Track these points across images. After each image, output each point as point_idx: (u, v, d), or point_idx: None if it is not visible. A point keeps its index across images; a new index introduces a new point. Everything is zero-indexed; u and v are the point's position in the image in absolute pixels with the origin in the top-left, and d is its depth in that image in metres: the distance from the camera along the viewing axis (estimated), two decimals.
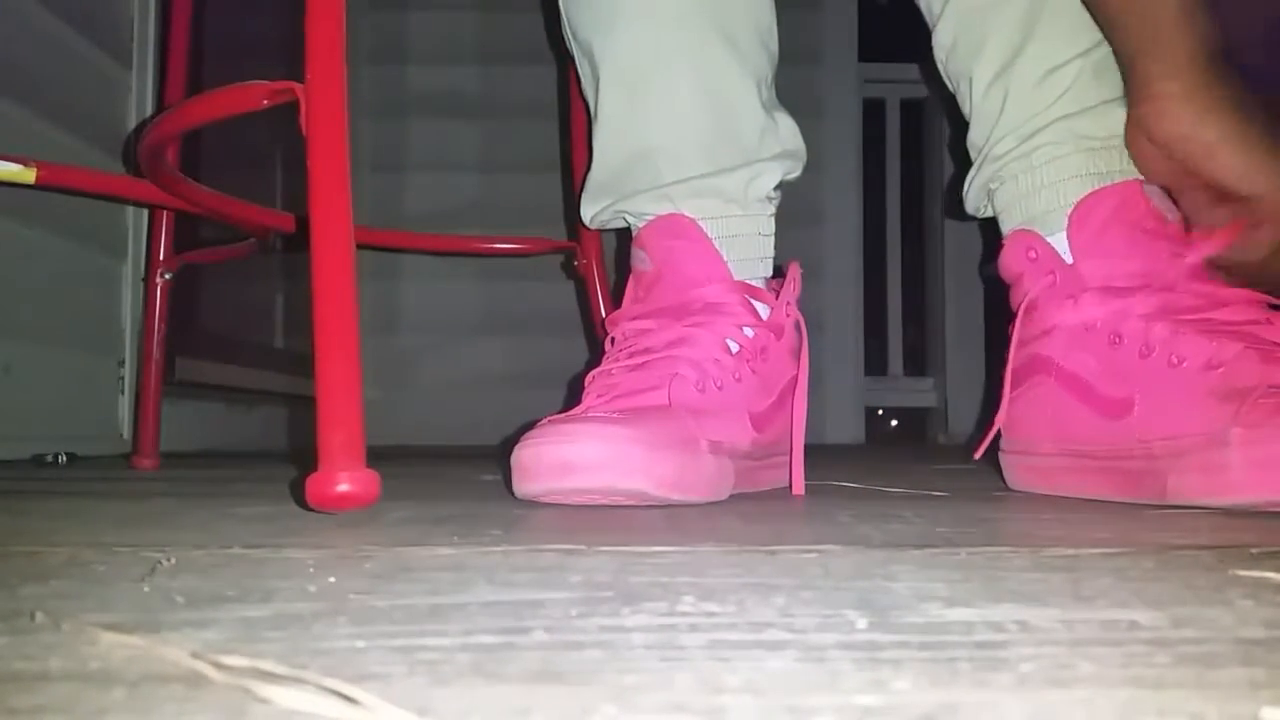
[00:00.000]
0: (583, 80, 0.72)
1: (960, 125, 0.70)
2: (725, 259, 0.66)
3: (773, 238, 0.70)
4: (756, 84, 0.69)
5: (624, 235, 0.74)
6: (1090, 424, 0.60)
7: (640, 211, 0.69)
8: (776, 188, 0.70)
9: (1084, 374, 0.61)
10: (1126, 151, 0.62)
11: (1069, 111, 0.63)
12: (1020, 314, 0.66)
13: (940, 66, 0.71)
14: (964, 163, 0.71)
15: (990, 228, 0.71)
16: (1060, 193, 0.63)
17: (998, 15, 0.65)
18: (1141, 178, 0.62)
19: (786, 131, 0.70)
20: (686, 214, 0.67)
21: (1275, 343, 0.55)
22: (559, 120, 1.72)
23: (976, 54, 0.67)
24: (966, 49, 0.67)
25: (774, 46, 0.71)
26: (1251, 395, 0.51)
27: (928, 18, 0.71)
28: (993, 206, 0.69)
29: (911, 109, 2.12)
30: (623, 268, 0.72)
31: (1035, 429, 0.65)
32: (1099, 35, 0.63)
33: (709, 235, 0.66)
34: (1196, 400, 0.53)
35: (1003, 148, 0.66)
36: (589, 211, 0.73)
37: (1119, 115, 0.62)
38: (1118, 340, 0.59)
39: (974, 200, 0.70)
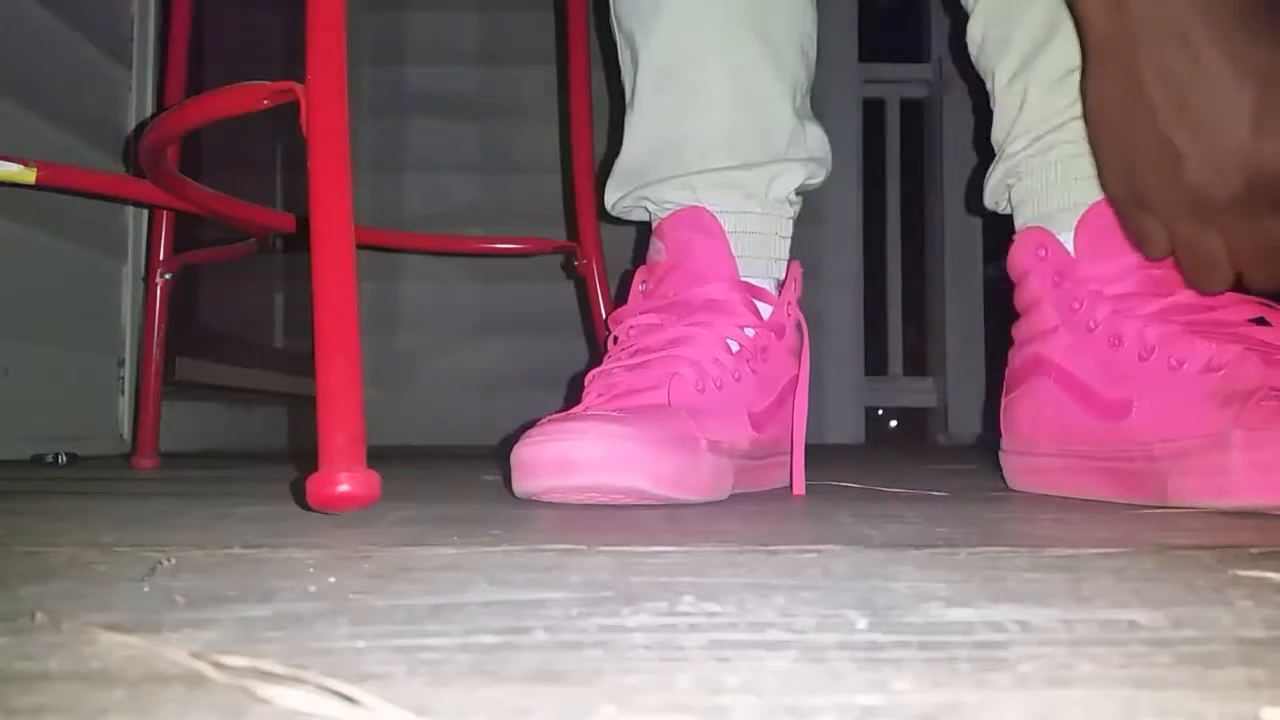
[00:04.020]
0: (623, 69, 0.73)
1: (986, 119, 0.70)
2: (737, 255, 0.66)
3: (788, 241, 0.70)
4: (791, 89, 0.69)
5: (631, 236, 0.74)
6: (1089, 425, 0.60)
7: (662, 199, 0.69)
8: (799, 193, 0.71)
9: (1082, 375, 0.61)
10: None
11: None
12: (1024, 312, 0.66)
13: (973, 60, 0.71)
14: (986, 156, 0.71)
15: (992, 229, 0.71)
16: (1071, 192, 0.63)
17: (1023, 14, 0.65)
18: None
19: (814, 140, 0.71)
20: (706, 205, 0.67)
21: (1275, 344, 0.54)
22: (559, 120, 1.71)
23: (1001, 51, 0.67)
24: (993, 45, 0.68)
25: (812, 54, 0.72)
26: (1253, 398, 0.51)
27: (965, 8, 0.71)
28: (1010, 202, 0.69)
29: (911, 109, 2.12)
30: (623, 268, 0.73)
31: (1035, 429, 0.65)
32: None
33: (726, 229, 0.67)
34: (1196, 402, 0.53)
35: (1020, 144, 0.66)
36: (612, 197, 0.73)
37: None
38: (1118, 342, 0.59)
39: (992, 195, 0.70)
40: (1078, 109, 0.62)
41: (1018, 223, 0.68)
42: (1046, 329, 0.63)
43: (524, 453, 0.54)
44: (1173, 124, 0.52)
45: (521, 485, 0.54)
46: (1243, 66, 0.50)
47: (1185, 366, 0.55)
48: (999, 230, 0.69)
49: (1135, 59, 0.52)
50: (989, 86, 0.70)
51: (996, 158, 0.69)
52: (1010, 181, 0.68)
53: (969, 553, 0.36)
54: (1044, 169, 0.64)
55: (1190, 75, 0.51)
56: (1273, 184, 0.51)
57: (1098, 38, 0.54)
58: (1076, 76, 0.63)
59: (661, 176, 0.69)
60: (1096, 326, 0.60)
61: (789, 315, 0.68)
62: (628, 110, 0.72)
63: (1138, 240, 0.58)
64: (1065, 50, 0.63)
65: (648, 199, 0.71)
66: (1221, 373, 0.53)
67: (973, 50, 0.70)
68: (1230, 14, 0.51)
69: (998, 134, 0.69)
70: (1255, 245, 0.54)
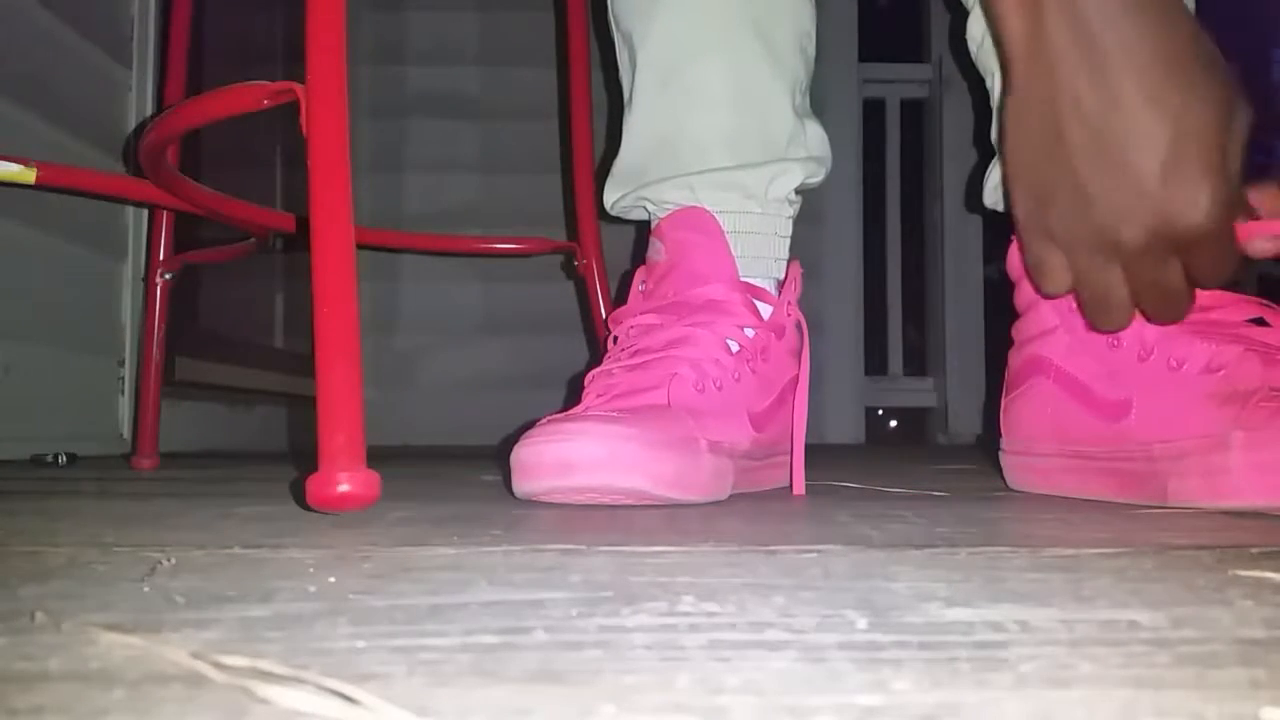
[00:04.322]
0: (621, 67, 0.73)
1: (986, 118, 0.70)
2: (736, 255, 0.66)
3: (788, 240, 0.70)
4: (790, 87, 0.69)
5: (631, 236, 0.74)
6: (1088, 425, 0.60)
7: (661, 200, 0.69)
8: (798, 191, 0.71)
9: (1081, 376, 0.61)
10: None
11: None
12: (1023, 312, 0.66)
13: (973, 58, 0.71)
14: (986, 155, 0.71)
15: (992, 229, 0.71)
16: None
17: None
18: None
19: (814, 139, 0.71)
20: (706, 206, 0.67)
21: (1274, 345, 0.54)
22: (559, 120, 1.71)
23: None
24: (992, 45, 0.67)
25: (812, 52, 0.72)
26: (1253, 398, 0.51)
27: (965, 5, 0.70)
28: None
29: (911, 109, 2.12)
30: (623, 268, 0.72)
31: (1035, 429, 0.65)
32: None
33: (725, 229, 0.67)
34: (1196, 403, 0.53)
35: None
36: (611, 197, 0.73)
37: None
38: (1116, 342, 0.59)
39: (991, 195, 0.70)
40: None
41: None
42: (1045, 329, 0.63)
43: (524, 453, 0.54)
44: (1086, 162, 0.50)
45: (522, 486, 0.54)
46: (1159, 110, 0.49)
47: (1185, 367, 0.55)
48: (999, 230, 0.69)
49: (1053, 90, 0.51)
50: (989, 85, 0.70)
51: (993, 160, 0.69)
52: None
53: (969, 553, 0.36)
54: None
55: (1107, 113, 0.49)
56: (1177, 233, 0.49)
57: (1016, 66, 0.53)
58: None
59: (660, 176, 0.69)
60: None
61: (789, 315, 0.68)
62: (626, 110, 0.72)
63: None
64: None
65: (647, 199, 0.70)
66: (1221, 373, 0.53)
67: (972, 48, 0.70)
68: (1151, 53, 0.49)
69: (997, 134, 0.68)
70: (1157, 287, 0.52)
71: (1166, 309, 0.53)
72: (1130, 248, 0.51)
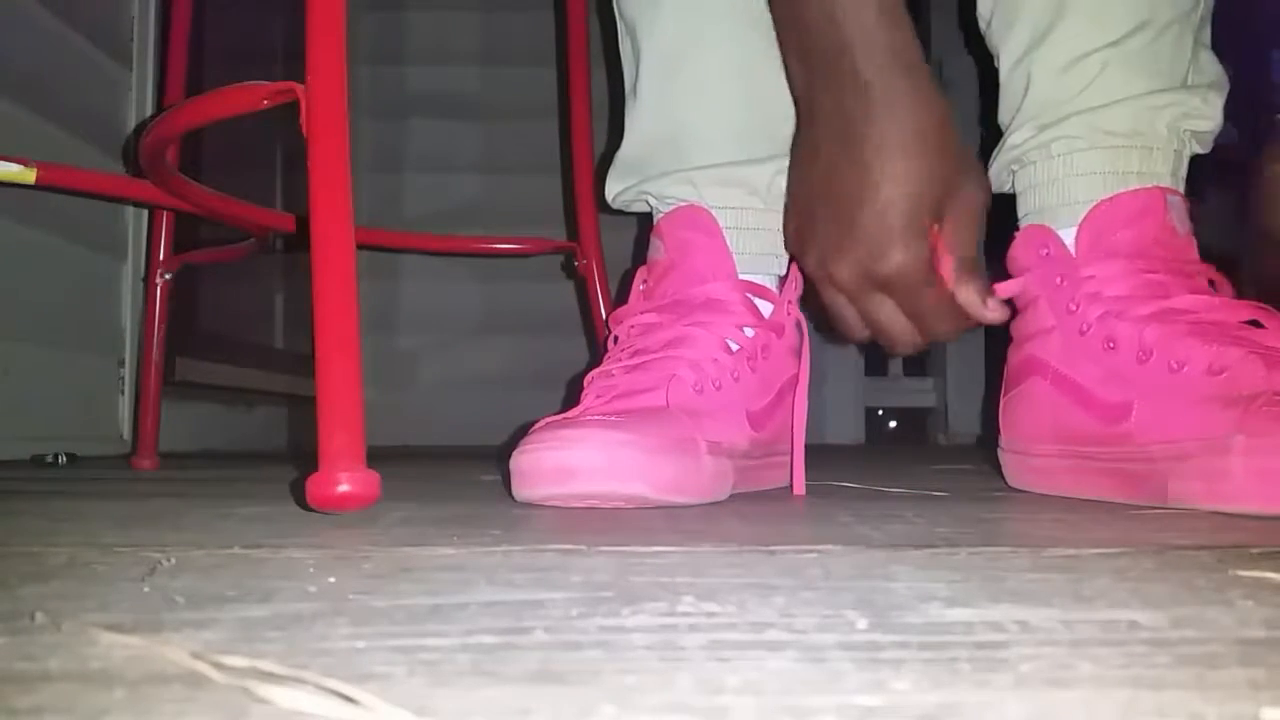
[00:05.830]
0: (623, 55, 0.72)
1: (994, 93, 0.69)
2: (737, 253, 0.66)
3: None
4: None
5: (631, 236, 0.73)
6: (1088, 426, 0.60)
7: (663, 194, 0.69)
8: None
9: (1079, 378, 0.60)
10: (1151, 151, 0.61)
11: (1092, 105, 0.61)
12: (1021, 310, 0.66)
13: (983, 33, 0.69)
14: (989, 137, 0.70)
15: (991, 229, 0.70)
16: (1073, 188, 0.62)
17: None
18: (1166, 185, 0.61)
19: None
20: (707, 203, 0.67)
21: (1276, 348, 0.54)
22: (559, 120, 1.71)
23: (1007, 30, 0.65)
24: (1000, 23, 0.66)
25: None
26: (1256, 402, 0.50)
27: None
28: (1014, 187, 0.68)
29: None
30: (623, 268, 0.72)
31: (1034, 429, 0.64)
32: (1133, 23, 0.61)
33: (727, 227, 0.66)
34: (1197, 405, 0.53)
35: (1023, 134, 0.65)
36: (614, 189, 0.73)
37: (1149, 112, 0.61)
38: (1112, 345, 0.58)
39: (995, 178, 0.69)
40: (1083, 101, 0.62)
41: (1020, 210, 0.67)
42: (1042, 329, 0.63)
43: (523, 460, 0.54)
44: (835, 209, 0.58)
45: (521, 493, 0.54)
46: (885, 171, 0.56)
47: (1186, 369, 0.55)
48: (999, 230, 0.69)
49: (817, 142, 0.59)
50: (996, 64, 0.68)
51: (1000, 143, 0.68)
52: (1015, 168, 0.67)
53: (969, 553, 0.36)
54: (1047, 161, 0.64)
55: (848, 167, 0.57)
56: (878, 276, 0.57)
57: (799, 116, 0.61)
58: (1083, 66, 0.62)
59: (663, 171, 0.68)
60: (1089, 329, 0.60)
61: (789, 314, 0.68)
62: (628, 100, 0.71)
63: (837, 324, 0.63)
64: (1071, 37, 0.62)
65: (649, 193, 0.70)
66: (1224, 375, 0.53)
67: (982, 25, 0.69)
68: (893, 123, 0.56)
69: (1003, 116, 0.67)
70: (875, 319, 0.61)
71: (896, 340, 0.61)
72: (845, 282, 0.59)
